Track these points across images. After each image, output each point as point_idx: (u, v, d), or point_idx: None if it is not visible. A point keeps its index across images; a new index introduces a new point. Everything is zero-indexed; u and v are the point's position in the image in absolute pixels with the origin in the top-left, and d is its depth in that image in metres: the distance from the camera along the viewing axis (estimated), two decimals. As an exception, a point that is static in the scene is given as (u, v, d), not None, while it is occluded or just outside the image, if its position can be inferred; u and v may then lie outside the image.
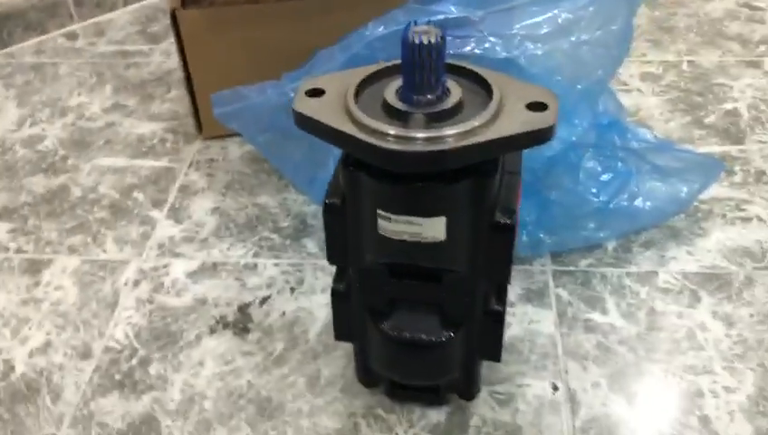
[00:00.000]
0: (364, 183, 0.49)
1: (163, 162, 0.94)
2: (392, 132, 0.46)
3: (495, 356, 0.59)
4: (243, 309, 0.74)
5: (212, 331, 0.72)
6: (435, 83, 0.47)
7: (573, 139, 0.70)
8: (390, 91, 0.49)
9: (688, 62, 1.07)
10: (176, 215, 0.86)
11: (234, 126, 0.83)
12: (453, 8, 0.66)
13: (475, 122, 0.47)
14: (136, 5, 1.33)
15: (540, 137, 0.47)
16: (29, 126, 1.03)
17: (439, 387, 0.62)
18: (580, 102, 0.69)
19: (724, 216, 0.81)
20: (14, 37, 1.22)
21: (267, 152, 0.85)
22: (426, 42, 0.45)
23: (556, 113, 0.48)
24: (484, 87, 0.50)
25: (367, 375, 0.64)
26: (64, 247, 0.82)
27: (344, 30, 0.74)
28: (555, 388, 0.65)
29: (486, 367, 0.66)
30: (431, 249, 0.51)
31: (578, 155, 0.75)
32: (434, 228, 0.50)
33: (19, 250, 0.82)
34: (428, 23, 0.47)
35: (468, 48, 0.65)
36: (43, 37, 1.25)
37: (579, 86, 0.67)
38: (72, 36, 1.25)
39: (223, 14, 0.87)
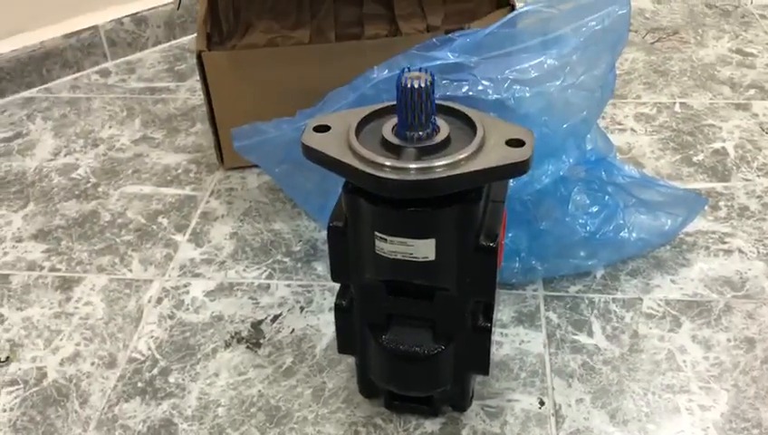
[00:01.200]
0: (363, 208, 0.56)
1: (186, 190, 1.02)
2: (388, 163, 0.53)
3: (484, 370, 0.64)
4: (256, 326, 0.80)
5: (227, 345, 0.78)
6: (425, 122, 0.54)
7: (561, 173, 0.76)
8: (387, 128, 0.56)
9: (681, 103, 1.14)
10: (197, 239, 0.93)
11: (252, 158, 0.90)
12: (450, 54, 0.73)
13: (461, 155, 0.53)
14: (164, 45, 1.42)
15: (517, 169, 0.53)
16: (64, 156, 1.11)
17: (433, 398, 0.67)
18: (567, 140, 0.75)
19: (707, 248, 0.86)
20: (53, 74, 1.32)
21: (282, 182, 0.92)
22: (417, 85, 0.52)
23: (532, 149, 0.54)
24: (470, 125, 0.56)
25: (367, 387, 0.69)
26: (93, 267, 0.89)
27: (354, 73, 0.81)
28: (542, 403, 0.70)
29: (479, 383, 0.71)
30: (423, 268, 0.57)
31: (567, 189, 0.81)
32: (425, 249, 0.56)
33: (53, 268, 0.89)
34: (420, 69, 0.54)
35: (463, 90, 0.72)
36: (79, 74, 1.34)
37: (565, 125, 0.73)
38: (105, 73, 1.34)
39: (245, 56, 0.95)
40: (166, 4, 1.39)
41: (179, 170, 1.06)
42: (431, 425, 0.68)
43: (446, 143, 0.55)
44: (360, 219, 0.57)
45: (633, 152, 1.03)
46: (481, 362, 0.64)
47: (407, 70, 0.54)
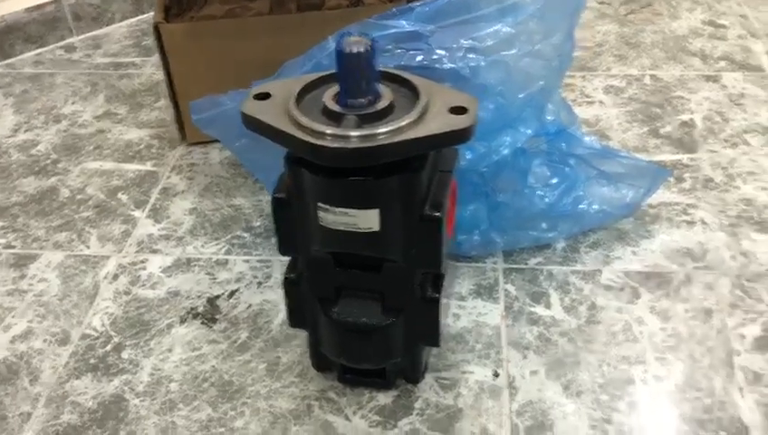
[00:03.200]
0: (305, 178, 0.55)
1: (147, 166, 1.00)
2: (327, 131, 0.52)
3: (434, 341, 0.64)
4: (212, 301, 0.79)
5: (182, 320, 0.77)
6: (366, 88, 0.53)
7: (520, 145, 0.75)
8: (329, 95, 0.55)
9: (651, 76, 1.12)
10: (156, 215, 0.92)
11: (211, 132, 0.89)
12: (405, 23, 0.71)
13: (403, 122, 0.52)
14: (132, 20, 1.39)
15: (459, 136, 0.52)
16: (24, 132, 1.09)
17: (385, 371, 0.67)
18: (525, 110, 0.74)
19: (670, 219, 0.86)
20: (15, 49, 1.29)
21: (242, 157, 0.90)
22: (355, 51, 0.51)
23: (475, 116, 0.53)
24: (414, 92, 0.55)
25: (320, 361, 0.69)
26: (50, 243, 0.88)
27: (315, 44, 0.79)
28: (496, 374, 0.69)
29: (434, 355, 0.71)
30: (367, 239, 0.56)
31: (528, 161, 0.80)
32: (368, 219, 0.55)
33: (8, 246, 0.88)
34: (362, 35, 0.52)
35: (418, 60, 0.70)
36: (43, 49, 1.31)
37: (522, 95, 0.72)
38: (71, 49, 1.32)
39: (203, 27, 0.93)
40: (131, -23, 1.36)
41: (141, 146, 1.04)
42: (384, 398, 0.68)
43: (388, 111, 0.54)
44: (303, 190, 0.56)
45: (600, 125, 1.02)
46: (431, 333, 0.63)
47: (346, 35, 0.52)
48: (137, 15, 1.40)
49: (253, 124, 0.54)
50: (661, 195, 0.88)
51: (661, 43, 1.20)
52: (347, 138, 0.51)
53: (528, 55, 0.71)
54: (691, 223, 0.85)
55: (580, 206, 0.80)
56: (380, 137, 0.52)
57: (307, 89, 0.56)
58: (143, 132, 1.07)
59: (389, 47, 0.73)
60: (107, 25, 1.37)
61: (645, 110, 1.05)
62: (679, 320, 0.74)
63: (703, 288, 0.77)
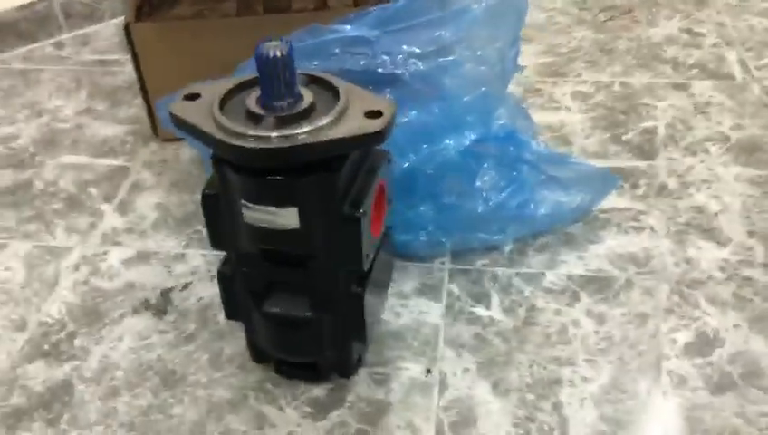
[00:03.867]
0: (229, 176, 0.57)
1: (119, 161, 1.03)
2: (247, 132, 0.54)
3: (361, 337, 0.66)
4: (165, 293, 0.82)
5: (135, 311, 0.80)
6: (285, 91, 0.55)
7: (463, 147, 0.77)
8: (252, 98, 0.57)
9: (620, 82, 1.13)
10: (122, 208, 0.95)
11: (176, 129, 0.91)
12: (349, 28, 0.74)
13: (320, 123, 0.54)
14: (122, 18, 1.42)
15: (373, 139, 0.54)
16: (7, 125, 1.13)
17: (318, 365, 0.69)
18: (470, 114, 0.76)
19: (619, 225, 0.87)
20: (6, 45, 1.33)
21: (204, 154, 0.93)
22: (272, 54, 0.53)
23: (389, 120, 0.55)
24: (335, 95, 0.57)
25: (257, 353, 0.71)
26: (19, 233, 0.91)
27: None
28: (428, 371, 0.71)
29: (372, 351, 0.73)
30: (289, 236, 0.58)
31: (477, 163, 0.82)
32: (288, 217, 0.57)
33: (-22, 235, 0.91)
34: (281, 39, 0.55)
35: (361, 64, 0.73)
36: (33, 46, 1.35)
37: (465, 99, 0.74)
38: (60, 46, 1.35)
39: (172, 27, 0.96)
40: (120, -23, 1.40)
41: (116, 142, 1.08)
42: (318, 390, 0.70)
43: (307, 112, 0.56)
44: (228, 187, 0.58)
45: (564, 130, 1.04)
46: (358, 329, 0.65)
47: (267, 40, 0.55)
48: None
49: (179, 124, 0.57)
50: (614, 200, 0.89)
51: (635, 50, 1.21)
52: (266, 138, 0.54)
53: (469, 60, 0.73)
54: (639, 229, 0.86)
55: (527, 209, 0.82)
56: (299, 137, 0.54)
57: (234, 91, 0.59)
58: (119, 128, 1.10)
59: (337, 51, 0.75)
60: (97, 23, 1.41)
61: (609, 116, 1.06)
62: (614, 323, 0.75)
63: (642, 293, 0.78)
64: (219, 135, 0.54)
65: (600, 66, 1.18)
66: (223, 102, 0.57)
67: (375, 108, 0.55)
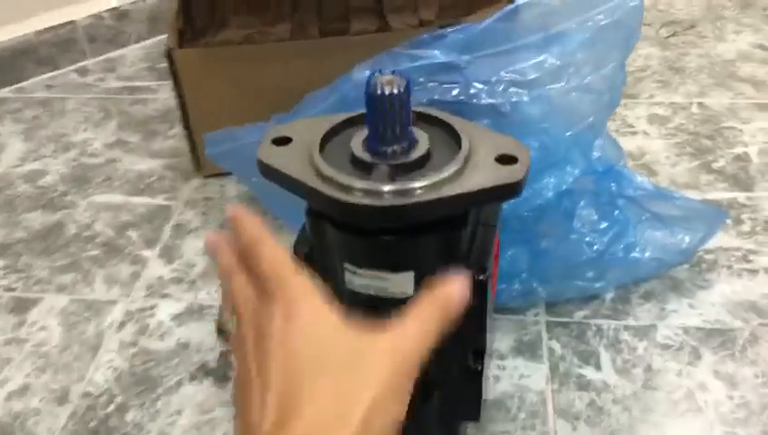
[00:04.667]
0: (329, 234, 0.48)
1: (159, 200, 0.94)
2: (357, 185, 0.44)
3: (475, 416, 0.56)
4: (225, 355, 0.72)
5: (192, 377, 0.70)
6: (400, 134, 0.46)
7: (564, 187, 0.67)
8: (357, 141, 0.47)
9: (698, 104, 1.04)
10: (167, 254, 0.85)
11: (226, 166, 0.82)
12: (438, 53, 0.65)
13: (443, 174, 0.45)
14: (147, 42, 1.34)
15: (508, 192, 0.45)
16: (32, 161, 1.04)
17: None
18: (572, 149, 0.67)
19: (729, 267, 0.77)
20: (26, 72, 1.24)
21: (259, 193, 0.84)
22: (387, 92, 0.44)
23: (527, 167, 0.45)
24: (454, 137, 0.48)
25: None
26: (54, 286, 0.82)
27: (339, 71, 0.73)
28: (541, 449, 0.61)
29: (472, 426, 0.63)
30: (401, 304, 0.49)
31: (573, 202, 0.73)
32: (402, 283, 0.48)
33: (8, 288, 0.82)
34: (394, 71, 0.45)
35: (453, 94, 0.63)
36: (56, 73, 1.26)
37: (569, 133, 0.65)
38: (84, 72, 1.27)
39: (219, 53, 0.87)
40: (148, -2, 1.32)
41: (153, 177, 0.98)
42: (416, 475, 0.60)
43: (425, 159, 0.46)
44: (327, 247, 0.49)
45: (646, 158, 0.94)
46: (471, 408, 0.55)
47: (377, 73, 0.45)
48: (153, 36, 1.35)
49: (271, 174, 0.47)
50: (718, 239, 0.80)
51: (707, 68, 1.13)
52: (379, 193, 0.44)
53: (576, 89, 0.64)
54: (753, 271, 0.77)
55: (633, 253, 0.72)
56: (417, 192, 0.44)
57: (332, 132, 0.49)
58: (155, 163, 1.01)
59: (421, 80, 0.66)
60: (122, 47, 1.32)
61: (694, 141, 0.97)
62: (748, 387, 0.65)
63: (772, 348, 0.69)
64: (325, 189, 0.45)
65: (672, 86, 1.09)
66: (322, 147, 0.48)
67: (507, 152, 0.46)
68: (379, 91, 0.44)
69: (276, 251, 0.39)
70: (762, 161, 0.92)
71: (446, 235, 0.47)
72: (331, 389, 0.35)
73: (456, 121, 0.49)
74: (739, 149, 0.95)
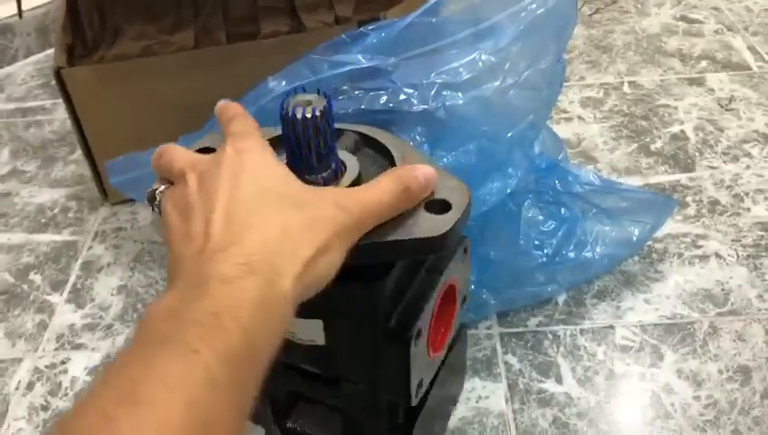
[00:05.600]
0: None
1: (64, 236, 0.84)
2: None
3: None
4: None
5: (115, 441, 0.62)
6: (317, 163, 0.39)
7: (509, 190, 0.62)
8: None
9: (629, 82, 1.02)
10: (77, 298, 0.76)
11: (133, 195, 0.74)
12: (361, 57, 0.58)
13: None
14: (39, 55, 1.22)
15: (429, 247, 0.38)
16: None
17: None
18: (514, 150, 0.62)
19: (680, 255, 0.75)
20: None
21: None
22: (305, 116, 0.37)
23: (459, 220, 0.39)
24: (388, 159, 0.42)
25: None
26: (-54, 348, 0.72)
27: (251, 80, 0.65)
28: (510, 480, 0.57)
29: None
30: (313, 353, 0.43)
31: (517, 204, 0.68)
32: (310, 331, 0.42)
33: None
34: (318, 90, 0.39)
35: (381, 102, 0.57)
36: (-65, 98, 1.13)
37: (509, 134, 0.60)
38: (-32, 94, 1.14)
39: (115, 69, 0.78)
40: (34, 8, 1.19)
41: (56, 210, 0.88)
42: None
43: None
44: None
45: (584, 145, 0.91)
46: None
47: (293, 93, 0.39)
48: (44, 50, 1.23)
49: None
50: (666, 226, 0.77)
51: (634, 45, 1.10)
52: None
53: (513, 87, 0.59)
54: (704, 258, 0.74)
55: (584, 253, 0.68)
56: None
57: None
58: (58, 193, 0.91)
59: (345, 88, 0.59)
60: (9, 64, 1.20)
61: (630, 123, 0.94)
62: (714, 384, 0.62)
63: (733, 339, 0.66)
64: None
65: (602, 66, 1.06)
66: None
67: (440, 196, 0.40)
68: (294, 114, 0.37)
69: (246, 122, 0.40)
70: (698, 138, 0.90)
71: (362, 285, 0.40)
72: (278, 224, 0.33)
73: (395, 146, 0.43)
74: (675, 128, 0.92)
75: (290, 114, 0.38)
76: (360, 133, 0.44)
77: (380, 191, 0.37)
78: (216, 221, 0.33)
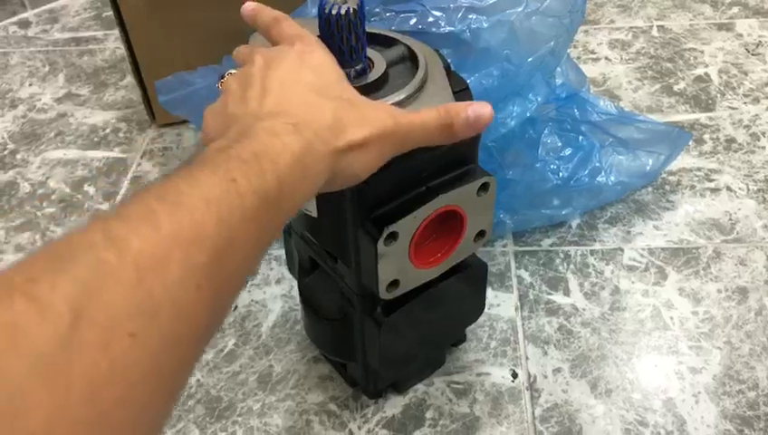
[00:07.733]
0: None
1: (115, 153, 0.91)
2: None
3: (376, 370, 0.56)
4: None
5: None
6: (351, 56, 0.44)
7: (529, 114, 0.67)
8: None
9: (658, 27, 1.04)
10: (127, 208, 0.83)
11: (181, 113, 0.80)
12: (394, -19, 0.62)
13: (396, 97, 0.43)
14: (91, -11, 1.28)
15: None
16: (-22, 120, 0.99)
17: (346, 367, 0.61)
18: (534, 76, 0.66)
19: (692, 187, 0.78)
20: (-36, 28, 1.18)
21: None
22: (335, 12, 0.42)
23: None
24: (413, 60, 0.47)
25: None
26: (11, 246, 0.79)
27: (290, 7, 0.70)
28: (515, 375, 0.62)
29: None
30: (309, 223, 0.51)
31: (537, 131, 0.72)
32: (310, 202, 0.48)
33: (-37, 251, 0.79)
34: (349, -6, 0.44)
35: (411, 23, 0.62)
36: (-5, 26, 1.20)
37: (530, 59, 0.64)
38: (25, 24, 1.20)
39: (165, -5, 0.83)
40: (87, -58, 1.24)
41: (107, 130, 0.95)
42: (392, 409, 0.61)
43: (381, 82, 0.45)
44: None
45: (608, 84, 0.94)
46: (375, 361, 0.55)
47: (328, -6, 0.44)
48: (96, -16, 1.28)
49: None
50: (681, 160, 0.80)
51: (667, -10, 1.11)
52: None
53: (536, 13, 0.63)
54: (716, 190, 0.78)
55: (598, 178, 0.72)
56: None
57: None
58: (109, 115, 0.98)
59: (377, 10, 0.64)
60: (64, -3, 1.26)
61: (655, 65, 0.96)
62: (712, 302, 0.67)
63: (734, 264, 0.70)
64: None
65: (632, 10, 1.08)
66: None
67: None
68: (330, 11, 0.42)
69: (299, 26, 0.43)
70: (722, 81, 0.93)
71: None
72: (330, 110, 0.36)
73: (415, 45, 0.48)
74: (700, 70, 0.95)
75: (327, 10, 0.43)
76: (386, 35, 0.49)
77: (429, 118, 0.40)
78: (274, 92, 0.36)
